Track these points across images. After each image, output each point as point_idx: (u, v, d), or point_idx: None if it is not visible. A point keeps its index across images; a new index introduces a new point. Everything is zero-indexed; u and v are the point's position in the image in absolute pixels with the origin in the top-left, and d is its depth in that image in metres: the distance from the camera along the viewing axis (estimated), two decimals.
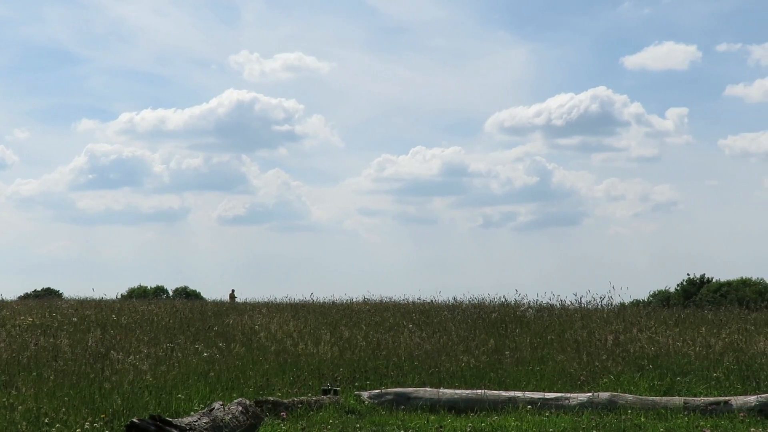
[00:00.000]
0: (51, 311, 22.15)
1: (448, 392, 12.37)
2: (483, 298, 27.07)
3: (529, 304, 24.94)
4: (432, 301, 28.06)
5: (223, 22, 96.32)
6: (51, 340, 16.55)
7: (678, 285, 44.13)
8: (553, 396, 12.11)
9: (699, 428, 10.59)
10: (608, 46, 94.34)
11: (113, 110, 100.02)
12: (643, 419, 11.05)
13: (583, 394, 12.13)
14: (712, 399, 11.81)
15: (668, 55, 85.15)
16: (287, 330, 19.28)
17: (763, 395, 11.65)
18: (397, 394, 12.29)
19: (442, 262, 79.19)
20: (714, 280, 43.31)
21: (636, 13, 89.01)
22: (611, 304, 24.01)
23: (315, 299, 29.52)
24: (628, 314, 22.28)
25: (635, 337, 17.86)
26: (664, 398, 12.04)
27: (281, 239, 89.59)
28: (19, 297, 39.52)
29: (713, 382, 13.57)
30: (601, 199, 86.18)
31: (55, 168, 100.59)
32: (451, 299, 27.86)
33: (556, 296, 25.20)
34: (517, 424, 10.76)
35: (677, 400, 11.82)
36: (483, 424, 10.79)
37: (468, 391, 12.40)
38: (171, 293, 49.33)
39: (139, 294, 45.24)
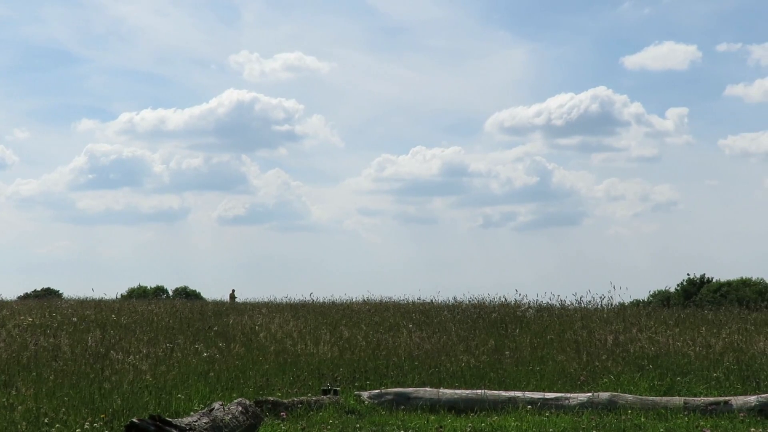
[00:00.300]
0: (51, 311, 22.13)
1: (448, 392, 12.36)
2: (483, 298, 27.10)
3: (529, 304, 24.94)
4: (432, 301, 28.09)
5: (223, 22, 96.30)
6: (51, 340, 16.53)
7: (678, 285, 44.14)
8: (553, 396, 12.11)
9: (699, 428, 10.59)
10: (608, 46, 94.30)
11: (113, 110, 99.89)
12: (643, 419, 11.04)
13: (583, 394, 12.12)
14: (712, 399, 11.81)
15: (668, 55, 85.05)
16: (287, 330, 19.28)
17: (763, 395, 11.65)
18: (397, 394, 12.28)
19: (442, 262, 79.21)
20: (714, 280, 43.30)
21: (636, 13, 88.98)
22: (611, 304, 24.01)
23: (315, 299, 29.56)
24: (628, 314, 22.27)
25: (635, 337, 17.85)
26: (664, 398, 12.04)
27: (281, 239, 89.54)
28: (19, 297, 39.48)
29: (713, 382, 13.57)
30: (601, 199, 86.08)
31: (55, 168, 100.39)
32: (451, 299, 27.88)
33: (556, 296, 25.27)
34: (517, 424, 10.75)
35: (677, 400, 11.82)
36: (483, 424, 10.78)
37: (468, 391, 12.40)
38: (171, 293, 49.33)
39: (138, 294, 45.21)
